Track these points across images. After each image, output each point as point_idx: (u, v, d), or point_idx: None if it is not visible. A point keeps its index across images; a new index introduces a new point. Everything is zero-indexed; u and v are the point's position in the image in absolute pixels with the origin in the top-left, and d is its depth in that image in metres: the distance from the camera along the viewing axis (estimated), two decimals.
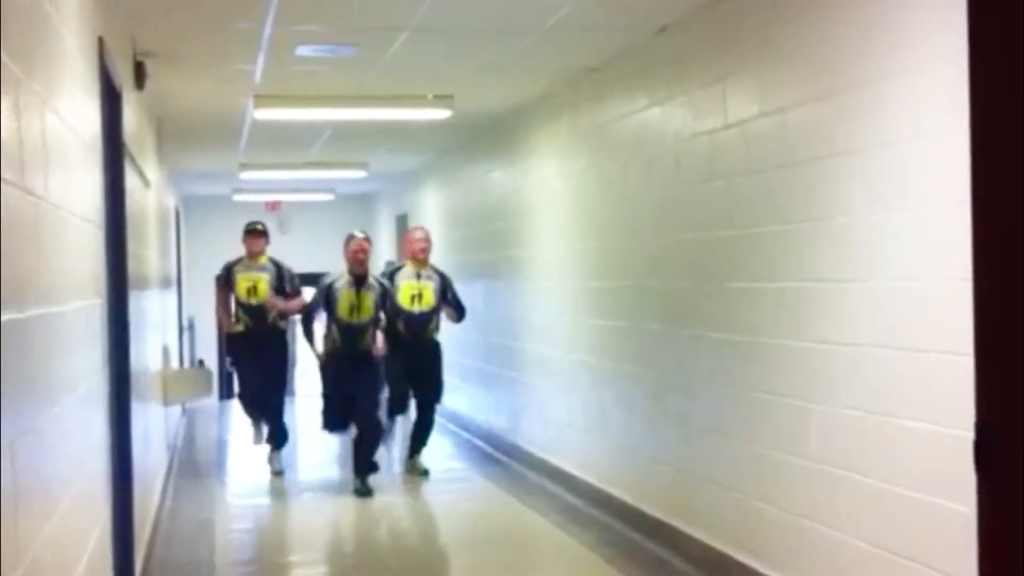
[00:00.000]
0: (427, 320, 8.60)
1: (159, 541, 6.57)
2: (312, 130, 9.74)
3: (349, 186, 14.80)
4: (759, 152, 5.11)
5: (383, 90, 7.70)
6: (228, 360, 9.96)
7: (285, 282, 8.94)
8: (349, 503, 7.71)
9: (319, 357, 8.34)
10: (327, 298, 8.14)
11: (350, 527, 7.22)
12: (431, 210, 12.72)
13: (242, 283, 8.89)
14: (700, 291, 5.76)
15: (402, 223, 14.96)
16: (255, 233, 9.10)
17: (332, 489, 8.47)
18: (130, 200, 5.35)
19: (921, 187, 3.93)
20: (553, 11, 5.63)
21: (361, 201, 16.74)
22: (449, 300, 8.71)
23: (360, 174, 12.83)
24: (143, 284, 6.54)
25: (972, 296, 2.44)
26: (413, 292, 8.52)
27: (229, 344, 9.57)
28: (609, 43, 6.42)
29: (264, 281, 8.88)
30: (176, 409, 10.59)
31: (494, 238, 9.96)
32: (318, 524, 7.39)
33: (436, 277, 8.67)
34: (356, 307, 8.07)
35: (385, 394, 8.66)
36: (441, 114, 8.22)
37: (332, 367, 8.25)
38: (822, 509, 4.61)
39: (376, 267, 9.37)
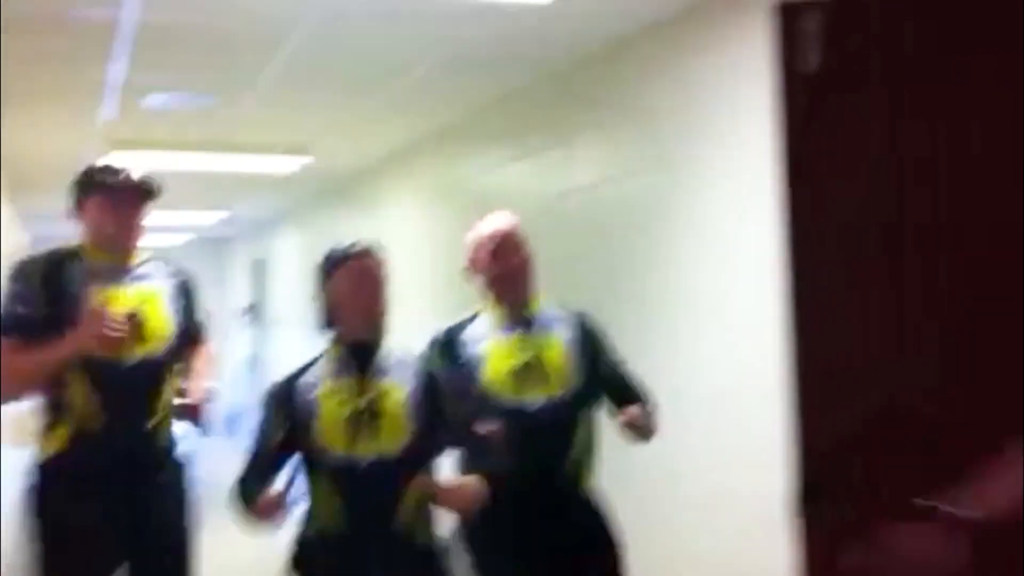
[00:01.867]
0: (565, 429, 3.45)
1: None
2: (167, 173, 9.64)
3: (206, 229, 14.67)
4: (602, 216, 5.31)
5: (239, 139, 7.72)
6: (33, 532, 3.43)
7: (192, 310, 3.76)
8: None
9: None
10: (291, 414, 3.15)
11: None
12: (292, 255, 12.68)
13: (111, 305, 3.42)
14: None
15: (260, 268, 14.88)
16: (131, 192, 3.59)
17: None
18: None
19: (746, 255, 4.15)
20: (406, 73, 5.77)
21: (218, 244, 16.57)
22: (610, 372, 3.62)
23: (218, 217, 12.75)
24: None
25: (788, 358, 2.64)
26: (516, 360, 3.47)
27: (35, 490, 3.45)
28: (462, 104, 6.58)
29: (159, 302, 3.61)
30: None
31: None
32: None
33: (571, 321, 3.63)
34: (360, 425, 3.11)
35: None
36: (297, 164, 8.27)
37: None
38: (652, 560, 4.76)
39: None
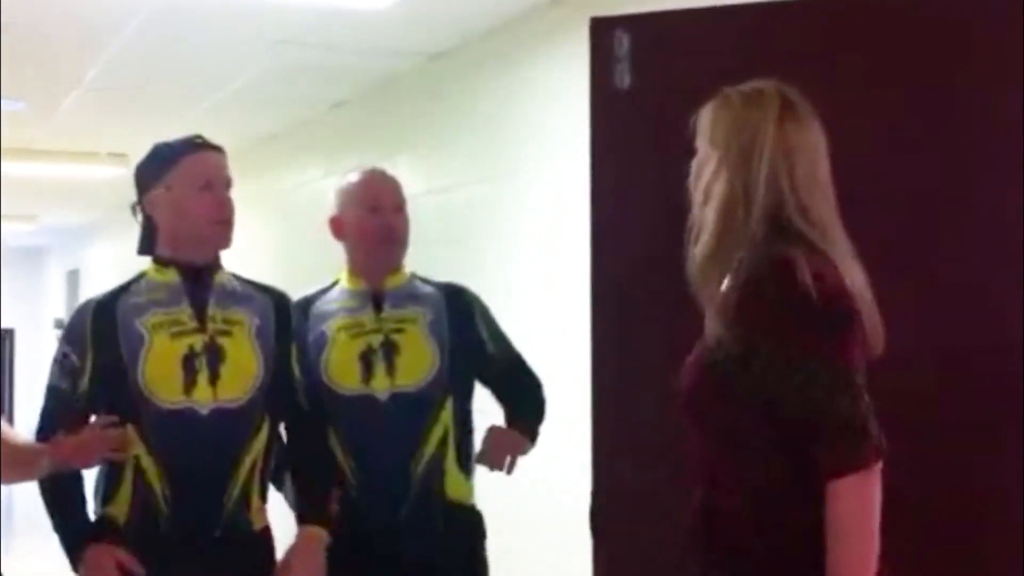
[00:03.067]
0: (416, 426, 2.82)
1: None
2: None
3: (14, 239, 14.13)
4: (425, 227, 5.35)
5: (54, 146, 7.50)
6: None
7: None
8: None
9: None
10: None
11: None
12: (108, 266, 12.31)
13: None
14: None
15: (74, 279, 14.40)
16: None
17: None
18: None
19: (562, 263, 4.28)
20: (228, 82, 5.72)
21: (28, 255, 15.96)
22: (486, 358, 3.00)
23: (27, 227, 12.30)
24: None
25: (591, 376, 2.72)
26: (363, 344, 2.85)
27: None
28: (286, 114, 6.56)
29: None
30: None
31: None
32: None
33: (436, 296, 3.01)
34: (197, 368, 2.53)
35: None
36: (115, 172, 8.07)
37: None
38: None
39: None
